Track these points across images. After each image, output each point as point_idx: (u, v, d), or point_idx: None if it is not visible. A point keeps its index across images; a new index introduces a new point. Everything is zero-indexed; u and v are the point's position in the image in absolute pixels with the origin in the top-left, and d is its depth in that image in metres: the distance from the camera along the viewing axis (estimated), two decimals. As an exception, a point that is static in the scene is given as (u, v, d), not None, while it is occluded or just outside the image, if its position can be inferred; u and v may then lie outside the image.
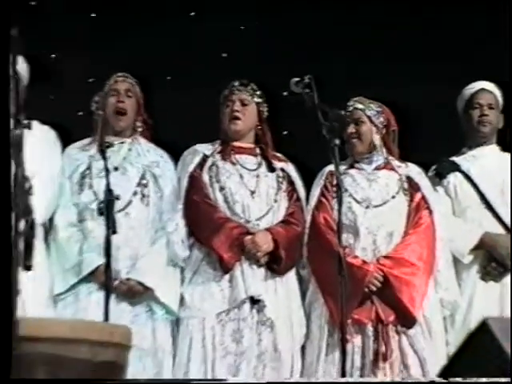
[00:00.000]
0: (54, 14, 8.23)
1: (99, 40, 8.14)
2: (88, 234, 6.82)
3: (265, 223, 6.96)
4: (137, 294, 6.84)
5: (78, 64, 7.95)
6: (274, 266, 6.92)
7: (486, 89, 7.50)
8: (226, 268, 6.83)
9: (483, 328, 4.12)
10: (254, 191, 7.03)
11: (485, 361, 4.17)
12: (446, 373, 4.44)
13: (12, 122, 5.12)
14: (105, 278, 6.33)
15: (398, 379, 6.73)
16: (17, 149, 4.98)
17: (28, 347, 4.64)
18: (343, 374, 6.15)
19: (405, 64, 7.96)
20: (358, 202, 6.96)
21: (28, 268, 5.03)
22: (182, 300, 6.96)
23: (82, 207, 6.86)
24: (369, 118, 7.04)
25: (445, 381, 4.24)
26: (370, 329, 6.66)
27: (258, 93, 7.17)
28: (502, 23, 8.02)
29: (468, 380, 4.11)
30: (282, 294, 6.95)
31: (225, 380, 6.16)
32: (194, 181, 7.06)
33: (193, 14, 8.44)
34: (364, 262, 6.75)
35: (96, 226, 6.66)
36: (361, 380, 5.72)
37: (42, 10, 8.12)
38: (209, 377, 6.99)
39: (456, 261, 7.14)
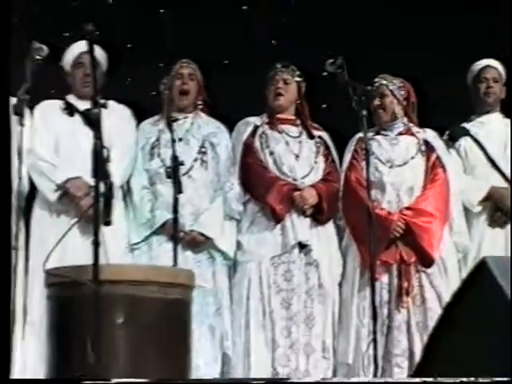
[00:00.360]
0: (130, 10, 8.01)
1: (167, 30, 7.95)
2: (158, 195, 7.00)
3: (308, 181, 7.08)
4: (199, 243, 7.00)
5: (150, 51, 7.77)
6: (318, 216, 7.06)
7: (491, 65, 7.54)
8: (278, 219, 6.99)
9: (482, 267, 4.05)
10: (297, 155, 7.17)
11: (484, 298, 4.07)
12: (449, 309, 4.29)
13: (91, 102, 5.35)
14: (173, 231, 6.52)
15: (418, 311, 6.83)
16: (96, 125, 5.23)
17: (109, 289, 4.98)
18: (374, 308, 6.27)
19: (422, 46, 7.76)
20: (383, 162, 7.07)
21: (107, 223, 5.23)
22: (240, 247, 7.11)
23: (152, 173, 7.05)
24: (391, 91, 7.13)
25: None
26: (394, 268, 6.81)
27: (298, 73, 7.25)
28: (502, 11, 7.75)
29: (468, 380, 3.88)
30: (324, 240, 7.09)
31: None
32: (248, 147, 7.21)
33: (245, 7, 8.21)
34: (389, 212, 6.88)
35: (164, 188, 6.84)
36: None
37: (119, 8, 7.98)
38: (266, 311, 7.08)
39: (467, 211, 7.27)
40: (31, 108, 6.73)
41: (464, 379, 3.86)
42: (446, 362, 4.09)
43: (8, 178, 4.43)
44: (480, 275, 4.01)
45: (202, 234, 6.98)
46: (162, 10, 8.15)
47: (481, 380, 3.72)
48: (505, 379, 3.68)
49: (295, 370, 6.99)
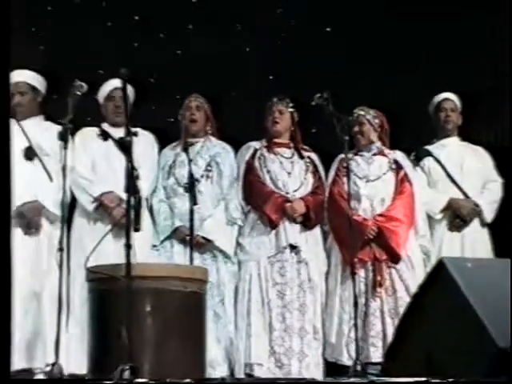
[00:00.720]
0: (151, 51, 8.02)
1: (185, 72, 8.01)
2: (173, 207, 7.13)
3: (299, 194, 7.24)
4: (203, 245, 7.13)
5: (169, 85, 7.94)
6: (306, 223, 7.22)
7: (449, 98, 7.70)
8: (273, 225, 7.17)
9: (440, 265, 4.32)
10: (290, 172, 7.33)
11: (442, 291, 4.30)
12: (415, 299, 4.57)
13: (124, 130, 5.52)
14: (189, 235, 6.67)
15: (389, 300, 6.95)
16: (128, 150, 5.41)
17: (139, 283, 5.15)
18: (355, 297, 6.48)
19: (393, 84, 7.88)
20: (360, 178, 7.23)
21: (137, 230, 5.35)
22: (242, 248, 7.25)
23: (169, 189, 7.20)
24: (368, 120, 7.31)
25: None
26: (369, 265, 7.00)
27: (291, 104, 7.38)
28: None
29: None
30: (312, 242, 7.24)
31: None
32: (249, 166, 7.38)
33: (248, 49, 8.32)
34: (364, 219, 7.07)
35: (178, 201, 7.04)
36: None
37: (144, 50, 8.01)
38: (265, 301, 7.23)
39: (430, 218, 7.43)
40: (73, 134, 6.77)
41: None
42: (413, 343, 4.32)
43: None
44: (439, 272, 4.24)
45: (205, 238, 7.12)
46: (178, 52, 8.20)
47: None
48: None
49: (289, 349, 7.09)
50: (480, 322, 3.92)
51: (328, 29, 8.28)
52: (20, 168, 6.76)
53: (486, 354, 3.90)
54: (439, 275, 4.30)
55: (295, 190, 7.30)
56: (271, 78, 8.24)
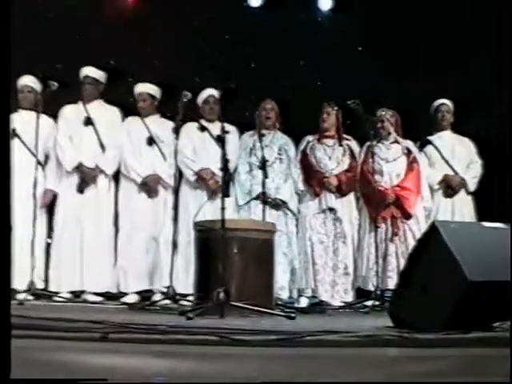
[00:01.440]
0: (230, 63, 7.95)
1: (260, 81, 7.90)
2: (254, 177, 7.14)
3: (336, 171, 7.26)
4: (279, 205, 7.15)
5: (251, 91, 7.77)
6: (340, 192, 7.23)
7: (445, 103, 7.69)
8: (317, 194, 7.23)
9: (433, 226, 4.17)
10: (330, 156, 7.36)
11: (433, 245, 4.15)
12: (414, 252, 4.37)
13: (220, 129, 5.54)
14: (263, 199, 6.78)
15: (402, 245, 7.01)
16: (223, 143, 5.45)
17: (229, 233, 5.32)
18: (376, 243, 6.75)
19: (405, 87, 7.73)
20: (381, 159, 7.26)
21: (227, 195, 5.45)
22: (299, 209, 7.29)
23: (252, 164, 7.19)
24: (387, 119, 7.31)
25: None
26: (388, 221, 7.07)
27: (336, 108, 7.34)
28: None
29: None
30: (346, 205, 7.29)
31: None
32: (303, 154, 7.41)
33: (302, 62, 8.21)
34: (386, 188, 7.11)
35: (257, 174, 6.96)
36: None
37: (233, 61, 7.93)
38: (310, 244, 7.25)
39: (431, 188, 7.47)
40: (181, 126, 6.87)
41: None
42: (414, 277, 4.14)
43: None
44: (432, 230, 4.10)
45: (282, 201, 7.19)
46: (253, 65, 8.10)
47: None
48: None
49: (324, 279, 7.18)
50: (457, 262, 3.82)
51: (360, 48, 8.14)
52: (144, 151, 7.23)
53: (460, 285, 3.79)
54: (432, 232, 4.17)
55: (333, 169, 7.33)
56: (319, 83, 8.11)
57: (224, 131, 5.57)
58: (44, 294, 6.70)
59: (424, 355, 3.02)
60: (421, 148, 7.64)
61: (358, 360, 2.87)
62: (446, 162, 7.59)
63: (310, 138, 7.51)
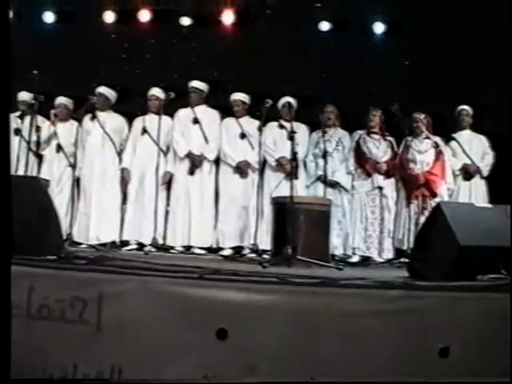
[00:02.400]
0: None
1: (322, 90, 7.82)
2: (318, 164, 7.16)
3: (383, 159, 7.21)
4: (334, 185, 7.19)
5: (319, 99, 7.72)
6: (387, 175, 7.22)
7: (465, 108, 7.58)
8: (369, 175, 7.21)
9: (438, 206, 4.38)
10: (378, 147, 7.31)
11: (437, 238, 4.30)
12: (425, 223, 4.55)
13: (290, 127, 5.99)
14: (324, 180, 7.01)
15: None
16: (293, 138, 5.89)
17: (297, 206, 5.66)
18: (409, 215, 6.80)
19: (435, 95, 7.49)
20: (415, 151, 7.16)
21: (296, 178, 6.28)
22: (354, 187, 7.28)
23: (316, 154, 7.21)
24: (421, 120, 7.21)
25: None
26: (420, 198, 6.95)
27: (380, 111, 7.32)
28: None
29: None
30: (390, 185, 7.24)
31: None
32: (357, 144, 7.37)
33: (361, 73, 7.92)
34: (418, 174, 7.04)
35: (320, 161, 7.04)
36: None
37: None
38: (363, 215, 7.18)
39: (454, 173, 7.39)
40: (264, 125, 7.03)
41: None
42: (426, 242, 4.37)
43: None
44: (437, 207, 4.32)
45: (336, 181, 7.22)
46: (323, 75, 7.91)
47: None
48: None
49: (374, 240, 7.15)
50: (452, 230, 4.02)
51: (406, 62, 7.92)
52: (237, 143, 7.39)
53: (454, 248, 3.99)
54: (437, 209, 4.35)
55: (381, 157, 7.28)
56: (372, 89, 7.81)
57: (292, 131, 5.91)
58: (163, 247, 7.04)
59: (419, 295, 3.39)
60: (446, 142, 7.52)
61: (370, 296, 3.34)
62: (465, 153, 7.50)
63: (360, 132, 7.43)
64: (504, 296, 3.37)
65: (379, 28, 8.14)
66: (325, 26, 8.17)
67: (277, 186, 6.58)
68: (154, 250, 6.79)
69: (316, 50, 8.04)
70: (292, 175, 5.96)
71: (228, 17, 8.16)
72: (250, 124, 7.42)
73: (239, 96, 7.55)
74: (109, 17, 8.29)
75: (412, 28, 7.88)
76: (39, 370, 3.27)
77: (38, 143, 7.27)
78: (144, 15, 8.28)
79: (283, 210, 5.79)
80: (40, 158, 7.36)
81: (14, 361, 3.10)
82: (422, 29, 7.78)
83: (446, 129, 7.63)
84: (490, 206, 4.66)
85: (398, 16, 8.01)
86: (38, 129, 6.99)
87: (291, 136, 5.91)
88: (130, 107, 7.88)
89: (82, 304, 3.22)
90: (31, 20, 8.52)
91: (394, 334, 3.20)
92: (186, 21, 8.27)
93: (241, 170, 7.35)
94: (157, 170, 6.86)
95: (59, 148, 7.00)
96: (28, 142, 6.86)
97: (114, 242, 7.17)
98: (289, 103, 7.37)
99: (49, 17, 8.46)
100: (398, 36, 8.06)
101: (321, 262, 5.36)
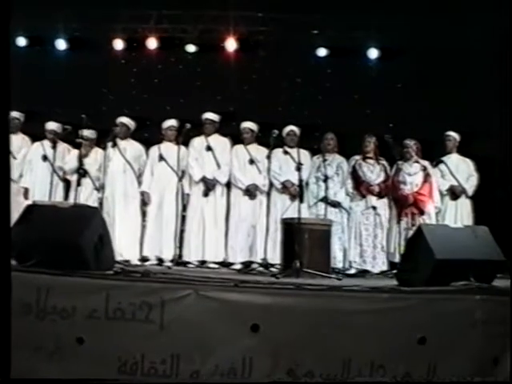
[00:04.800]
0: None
1: (323, 119, 8.60)
2: (320, 186, 7.86)
3: (376, 182, 7.86)
4: (335, 205, 7.84)
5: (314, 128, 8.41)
6: (380, 196, 7.87)
7: (450, 134, 8.18)
8: (363, 196, 7.87)
9: (419, 228, 5.34)
10: (372, 171, 7.96)
11: (419, 253, 5.21)
12: (409, 242, 5.48)
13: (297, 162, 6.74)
14: (325, 201, 7.73)
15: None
16: (299, 170, 6.86)
17: (302, 226, 6.58)
18: (400, 231, 7.32)
19: (423, 122, 8.19)
20: (406, 174, 7.80)
21: (301, 201, 7.02)
22: (351, 207, 7.94)
23: (317, 178, 7.92)
24: (411, 146, 7.89)
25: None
26: (409, 216, 7.59)
27: (374, 138, 7.96)
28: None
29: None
30: (382, 205, 7.90)
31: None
32: (353, 169, 8.02)
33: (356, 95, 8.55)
34: (407, 194, 7.67)
35: (322, 184, 7.79)
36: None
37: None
38: (358, 232, 7.77)
39: (440, 193, 7.97)
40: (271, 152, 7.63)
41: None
42: (410, 256, 5.36)
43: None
44: (419, 230, 5.28)
45: (337, 202, 7.90)
46: (320, 97, 8.63)
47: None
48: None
49: (368, 255, 7.75)
50: (430, 247, 4.94)
51: (399, 85, 8.70)
52: (246, 168, 8.25)
53: (431, 261, 4.91)
54: (419, 230, 5.27)
55: (375, 180, 7.91)
56: (368, 111, 8.55)
57: (300, 163, 6.96)
58: (181, 262, 8.00)
59: (403, 297, 4.63)
60: (435, 165, 8.04)
61: (364, 299, 4.59)
62: (452, 175, 8.01)
63: (356, 157, 8.03)
64: (469, 297, 4.60)
65: (373, 53, 8.88)
66: (322, 51, 8.96)
67: (286, 209, 7.43)
68: (170, 264, 7.72)
69: (314, 75, 8.82)
70: (299, 199, 7.01)
71: (231, 44, 9.05)
72: (257, 151, 8.30)
73: (248, 124, 8.41)
74: (118, 44, 9.27)
75: (405, 54, 8.70)
76: (115, 357, 4.48)
77: (63, 169, 8.46)
78: (151, 43, 9.28)
79: (291, 229, 6.67)
80: (67, 182, 8.52)
81: (94, 351, 4.42)
82: (415, 55, 8.60)
83: (435, 152, 8.31)
84: (462, 226, 5.76)
85: (391, 42, 8.78)
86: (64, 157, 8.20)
87: (298, 167, 6.96)
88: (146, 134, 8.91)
89: (148, 307, 4.45)
90: (45, 46, 9.52)
91: (382, 326, 4.43)
92: (191, 48, 9.27)
93: (250, 192, 8.18)
94: (176, 193, 7.80)
95: (85, 174, 8.07)
96: (54, 168, 8.14)
97: (145, 259, 8.16)
98: (293, 131, 8.29)
99: (61, 44, 9.41)
100: (391, 61, 8.79)
101: (324, 274, 6.33)
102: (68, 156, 8.50)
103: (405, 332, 4.44)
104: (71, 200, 7.97)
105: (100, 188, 7.97)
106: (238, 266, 8.12)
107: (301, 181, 7.10)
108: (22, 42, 9.37)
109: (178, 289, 4.48)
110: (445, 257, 4.98)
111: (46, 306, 4.48)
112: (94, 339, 4.43)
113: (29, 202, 7.98)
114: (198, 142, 8.45)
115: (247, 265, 8.09)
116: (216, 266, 8.16)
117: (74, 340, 4.45)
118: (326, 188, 7.74)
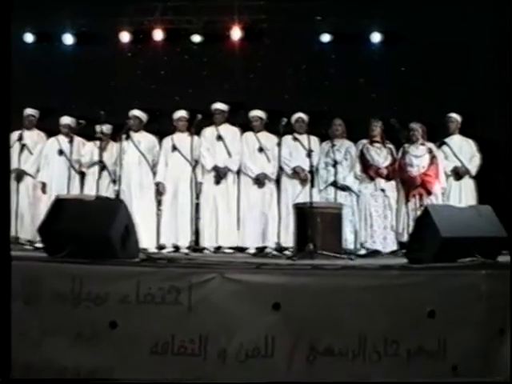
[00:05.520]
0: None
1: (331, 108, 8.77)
2: (329, 171, 8.13)
3: (384, 165, 8.14)
4: (345, 188, 8.11)
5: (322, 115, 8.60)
6: (388, 178, 8.12)
7: (452, 115, 8.44)
8: (371, 180, 8.14)
9: (426, 208, 5.58)
10: (379, 154, 8.24)
11: (426, 232, 5.39)
12: (417, 220, 5.71)
13: (308, 149, 6.90)
14: (334, 185, 8.02)
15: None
16: (310, 157, 6.97)
17: (314, 210, 6.89)
18: (408, 211, 7.54)
19: (429, 104, 8.42)
20: (413, 156, 8.07)
21: (313, 186, 7.29)
22: (360, 189, 8.20)
23: (327, 163, 8.22)
24: (416, 129, 8.16)
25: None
26: (417, 197, 7.84)
27: (380, 122, 8.20)
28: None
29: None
30: (390, 187, 8.16)
31: None
32: (361, 152, 8.30)
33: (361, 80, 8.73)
34: (415, 175, 7.93)
35: (331, 169, 8.10)
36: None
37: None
38: (368, 214, 8.01)
39: (445, 174, 8.23)
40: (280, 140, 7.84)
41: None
42: (418, 234, 5.58)
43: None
44: (425, 210, 5.52)
45: (346, 185, 8.18)
46: (326, 82, 8.87)
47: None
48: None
49: (379, 234, 8.00)
50: (436, 225, 5.16)
51: (403, 69, 8.91)
52: (256, 156, 8.54)
53: (438, 239, 5.13)
54: (425, 210, 5.52)
55: (382, 163, 8.18)
56: (374, 95, 8.75)
57: (310, 150, 7.30)
58: (198, 249, 8.34)
59: (412, 274, 4.96)
60: (439, 147, 8.31)
61: (376, 276, 4.95)
62: (456, 156, 8.31)
63: (363, 141, 8.31)
64: (475, 273, 4.87)
65: (376, 37, 9.07)
66: (325, 37, 9.17)
67: (297, 195, 7.86)
68: (187, 251, 7.99)
69: (318, 60, 9.04)
70: (311, 185, 7.37)
71: (235, 33, 9.32)
72: (267, 138, 8.60)
73: (257, 113, 8.73)
74: (125, 37, 9.56)
75: (407, 37, 8.90)
76: (147, 339, 4.85)
77: (80, 162, 8.83)
78: (157, 34, 9.56)
79: (303, 214, 7.01)
80: (82, 175, 8.91)
81: (127, 334, 4.79)
82: (418, 38, 8.77)
83: (439, 134, 8.57)
84: (466, 206, 6.05)
85: (394, 26, 8.99)
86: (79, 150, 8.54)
87: (309, 154, 7.30)
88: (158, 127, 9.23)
89: (177, 291, 4.82)
90: (52, 42, 9.81)
91: (393, 301, 4.77)
92: (196, 38, 9.57)
93: (259, 181, 8.51)
94: (190, 181, 8.24)
95: (104, 167, 8.41)
96: (71, 163, 8.58)
97: (161, 247, 8.57)
98: (301, 118, 8.61)
99: (68, 39, 9.70)
100: (394, 45, 9.00)
101: (336, 255, 6.65)
102: (83, 149, 8.87)
103: (415, 306, 4.71)
104: (86, 192, 8.46)
105: (116, 180, 8.33)
106: (253, 251, 8.49)
107: (311, 166, 7.43)
108: (29, 38, 9.65)
109: (204, 273, 4.85)
110: (450, 235, 5.23)
111: (81, 293, 4.82)
112: (127, 323, 4.80)
113: (46, 196, 8.56)
114: (209, 132, 8.78)
115: (261, 249, 8.44)
116: (231, 251, 8.51)
117: (107, 324, 4.76)
118: (335, 173, 8.01)
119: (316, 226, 6.88)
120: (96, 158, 8.43)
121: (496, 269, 4.89)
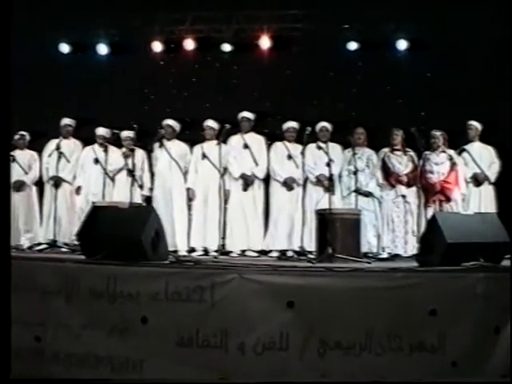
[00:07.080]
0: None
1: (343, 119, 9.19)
2: (351, 179, 8.54)
3: (404, 172, 8.58)
4: (367, 195, 8.62)
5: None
6: (408, 185, 8.55)
7: (474, 124, 8.78)
8: (393, 186, 8.61)
9: (434, 215, 5.99)
10: (400, 162, 8.70)
11: (434, 238, 5.82)
12: (428, 226, 6.03)
13: (327, 159, 7.13)
14: (357, 192, 8.33)
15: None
16: (329, 166, 7.42)
17: (334, 216, 7.31)
18: (428, 217, 7.15)
19: (450, 114, 8.75)
20: (434, 163, 8.45)
21: (333, 193, 7.83)
22: (382, 196, 8.68)
23: (349, 170, 8.60)
24: (438, 137, 8.56)
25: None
26: (437, 203, 8.27)
27: (401, 131, 8.71)
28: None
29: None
30: (411, 193, 8.58)
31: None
32: (382, 161, 8.77)
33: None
34: (435, 182, 8.32)
35: (353, 177, 8.41)
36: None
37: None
38: (390, 219, 8.43)
39: (465, 180, 8.62)
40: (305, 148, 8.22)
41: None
42: (428, 240, 5.94)
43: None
44: (433, 217, 5.94)
45: (369, 192, 8.66)
46: (354, 90, 9.27)
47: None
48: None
49: (400, 238, 8.47)
50: (442, 232, 5.54)
51: (428, 74, 9.27)
52: (285, 162, 9.03)
53: (444, 244, 5.53)
54: (434, 217, 5.92)
55: (403, 171, 8.62)
56: (398, 102, 9.15)
57: (330, 159, 7.73)
58: (225, 252, 8.71)
59: (416, 275, 5.41)
60: (459, 153, 8.69)
61: (383, 277, 5.47)
62: (475, 163, 8.66)
63: (385, 149, 8.74)
64: (474, 275, 5.21)
65: (402, 45, 9.47)
66: (352, 45, 9.59)
67: (318, 201, 8.38)
68: (216, 254, 8.67)
69: (346, 68, 9.46)
70: (330, 192, 7.85)
71: (264, 42, 9.84)
72: (294, 147, 9.15)
73: (292, 124, 9.27)
74: (157, 47, 10.13)
75: (433, 45, 9.30)
76: (174, 333, 5.45)
77: (114, 170, 9.54)
78: (188, 44, 10.16)
79: (324, 219, 7.42)
80: (114, 181, 9.59)
81: (156, 328, 5.37)
82: (442, 45, 9.18)
83: (459, 141, 8.90)
84: (472, 213, 6.46)
85: (420, 34, 9.36)
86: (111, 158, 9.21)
87: (328, 163, 7.80)
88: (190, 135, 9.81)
89: (201, 290, 5.38)
90: (87, 52, 10.42)
91: (397, 300, 5.29)
92: (226, 47, 10.11)
93: (287, 184, 9.07)
94: (219, 188, 8.79)
95: (130, 173, 8.92)
96: (106, 171, 9.31)
97: (192, 250, 9.13)
98: (325, 127, 9.11)
99: (102, 49, 10.27)
100: (419, 52, 9.38)
101: (354, 258, 7.07)
102: (113, 156, 9.50)
103: (417, 305, 5.11)
104: (114, 196, 9.17)
105: (145, 186, 9.03)
106: (276, 254, 9.04)
107: (331, 175, 7.93)
108: (65, 48, 10.27)
109: (225, 273, 5.46)
110: (455, 241, 5.66)
111: (116, 291, 5.39)
112: (156, 318, 5.30)
113: (81, 200, 9.38)
114: (236, 141, 9.38)
115: (283, 253, 8.99)
116: (256, 254, 9.10)
117: (139, 319, 5.33)
118: (356, 180, 8.39)
119: (335, 230, 7.28)
120: (122, 164, 9.16)
121: (494, 272, 5.29)
